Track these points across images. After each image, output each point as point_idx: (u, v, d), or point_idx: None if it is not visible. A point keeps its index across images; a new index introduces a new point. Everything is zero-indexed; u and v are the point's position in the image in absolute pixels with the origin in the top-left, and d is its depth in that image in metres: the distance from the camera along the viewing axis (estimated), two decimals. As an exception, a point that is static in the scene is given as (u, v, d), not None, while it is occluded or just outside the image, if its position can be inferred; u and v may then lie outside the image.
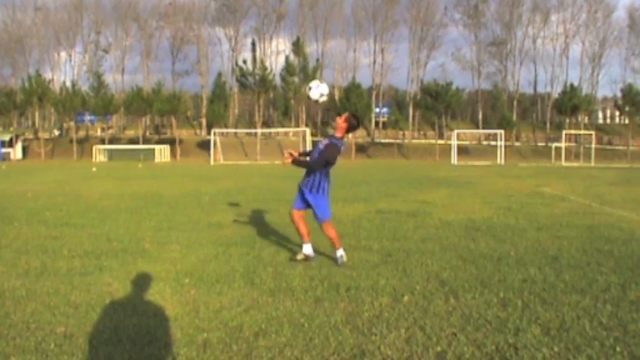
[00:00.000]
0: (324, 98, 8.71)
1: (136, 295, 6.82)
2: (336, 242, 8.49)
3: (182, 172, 40.95)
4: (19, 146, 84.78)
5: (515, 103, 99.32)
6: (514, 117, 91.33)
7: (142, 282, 7.35)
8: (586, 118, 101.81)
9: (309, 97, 8.72)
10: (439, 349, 5.03)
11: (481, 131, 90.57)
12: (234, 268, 8.15)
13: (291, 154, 8.78)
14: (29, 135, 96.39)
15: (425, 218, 13.41)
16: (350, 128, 8.43)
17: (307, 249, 8.66)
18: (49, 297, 6.74)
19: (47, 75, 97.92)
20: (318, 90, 8.60)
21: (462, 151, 73.88)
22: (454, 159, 64.90)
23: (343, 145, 8.45)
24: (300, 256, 8.62)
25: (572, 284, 7.07)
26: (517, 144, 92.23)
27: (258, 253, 9.30)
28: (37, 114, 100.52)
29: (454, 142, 67.57)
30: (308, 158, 8.87)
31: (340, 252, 8.43)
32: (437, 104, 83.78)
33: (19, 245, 10.21)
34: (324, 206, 8.59)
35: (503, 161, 64.13)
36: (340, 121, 8.46)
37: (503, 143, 67.63)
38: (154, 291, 6.96)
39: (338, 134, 8.46)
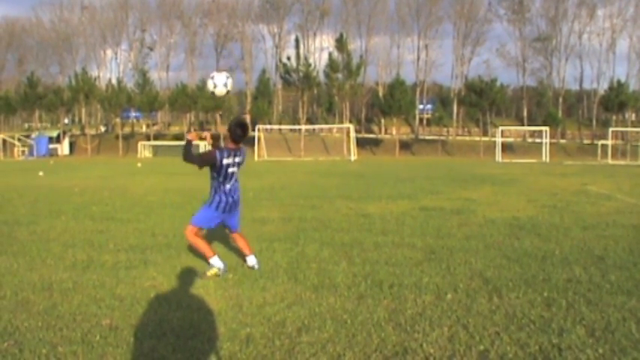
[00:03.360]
0: (222, 89, 8.27)
1: (180, 289, 6.88)
2: (205, 252, 7.88)
3: (226, 168, 41.09)
4: (66, 142, 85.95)
5: (560, 99, 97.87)
6: (559, 114, 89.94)
7: (186, 276, 7.42)
8: (633, 115, 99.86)
9: (213, 93, 8.42)
10: (482, 348, 5.01)
11: (526, 128, 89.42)
12: (277, 264, 8.19)
13: (196, 133, 8.25)
14: (76, 131, 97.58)
15: (469, 216, 13.31)
16: (234, 137, 7.86)
17: (251, 260, 8.15)
18: (95, 289, 6.84)
19: (93, 72, 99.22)
20: (215, 81, 8.25)
21: (507, 148, 73.00)
22: (498, 156, 64.26)
23: (237, 156, 7.89)
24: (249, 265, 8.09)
25: (619, 285, 6.96)
26: (562, 141, 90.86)
27: (301, 249, 9.31)
28: (83, 111, 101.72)
29: (498, 139, 66.80)
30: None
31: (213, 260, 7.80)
32: (481, 101, 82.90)
33: (67, 239, 10.39)
34: (200, 213, 8.01)
35: (548, 159, 63.34)
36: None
37: (548, 140, 66.85)
38: (198, 285, 7.02)
39: (229, 145, 7.93)
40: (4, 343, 5.17)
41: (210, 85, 8.31)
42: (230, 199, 7.84)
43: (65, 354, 4.93)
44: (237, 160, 7.84)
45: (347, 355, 4.88)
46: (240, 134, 7.80)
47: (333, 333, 5.37)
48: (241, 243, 8.25)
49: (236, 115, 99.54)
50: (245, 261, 8.18)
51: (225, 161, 7.66)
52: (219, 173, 7.73)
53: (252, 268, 8.00)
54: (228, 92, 8.49)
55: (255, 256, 8.22)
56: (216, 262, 7.69)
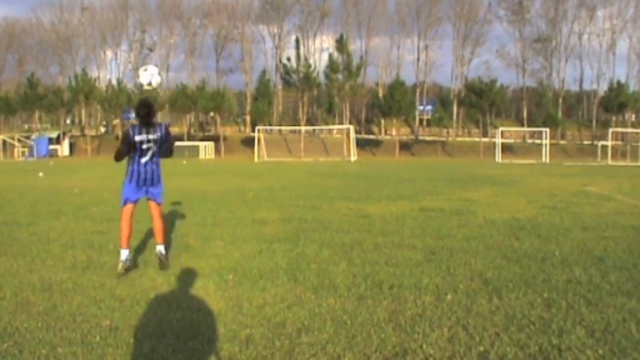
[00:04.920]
0: (152, 83, 8.47)
1: (180, 290, 6.88)
2: (121, 239, 8.03)
3: (226, 169, 41.18)
4: (66, 143, 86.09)
5: (560, 100, 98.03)
6: (559, 115, 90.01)
7: (186, 277, 7.41)
8: (633, 116, 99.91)
9: (142, 85, 8.51)
10: (482, 349, 5.00)
11: (526, 129, 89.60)
12: (277, 265, 8.18)
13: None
14: (76, 132, 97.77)
15: (469, 217, 13.30)
16: (137, 116, 8.03)
17: (160, 249, 8.31)
18: (94, 290, 6.84)
19: (93, 73, 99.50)
20: (147, 75, 8.47)
21: (507, 149, 73.11)
22: (498, 157, 64.38)
23: (152, 134, 7.97)
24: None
25: (619, 286, 6.95)
26: (562, 142, 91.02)
27: (301, 249, 9.30)
28: (83, 111, 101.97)
29: (498, 140, 66.89)
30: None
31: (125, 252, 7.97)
32: (481, 102, 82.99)
33: (67, 239, 10.38)
34: (123, 190, 8.18)
35: (548, 160, 63.45)
36: None
37: (548, 141, 66.97)
38: (198, 286, 7.02)
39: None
40: (4, 344, 5.17)
41: (147, 87, 8.54)
42: (144, 173, 8.04)
43: (65, 355, 4.93)
44: (151, 136, 7.95)
45: (347, 355, 4.88)
46: (142, 113, 7.95)
47: (332, 334, 5.36)
48: (157, 225, 8.42)
49: (237, 115, 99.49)
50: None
51: (137, 137, 7.86)
52: (135, 150, 7.92)
53: (160, 258, 8.16)
54: (154, 88, 8.68)
55: (166, 248, 8.49)
56: (123, 255, 7.86)
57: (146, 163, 8.04)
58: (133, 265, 8.08)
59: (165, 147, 8.21)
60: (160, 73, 8.75)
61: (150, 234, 10.66)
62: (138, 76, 8.65)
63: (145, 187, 8.14)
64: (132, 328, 5.54)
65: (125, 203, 8.15)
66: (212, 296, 6.57)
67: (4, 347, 5.11)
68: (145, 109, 7.99)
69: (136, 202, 8.22)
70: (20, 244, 10.05)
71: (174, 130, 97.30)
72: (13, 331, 5.50)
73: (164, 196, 8.59)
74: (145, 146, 7.94)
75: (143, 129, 7.92)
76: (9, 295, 6.73)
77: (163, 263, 8.11)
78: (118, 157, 8.12)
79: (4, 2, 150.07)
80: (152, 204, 8.39)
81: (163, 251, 8.28)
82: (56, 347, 5.09)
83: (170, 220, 12.67)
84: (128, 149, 7.95)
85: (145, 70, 8.61)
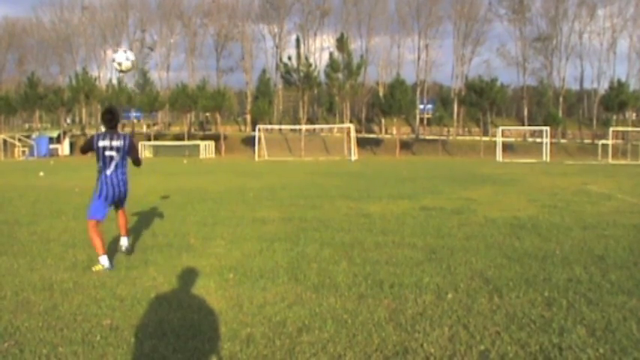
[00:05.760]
0: (127, 64, 8.82)
1: (181, 290, 6.89)
2: (96, 248, 8.21)
3: (227, 168, 41.19)
4: (66, 142, 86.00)
5: (560, 99, 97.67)
6: (560, 113, 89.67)
7: (186, 276, 7.42)
8: (634, 114, 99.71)
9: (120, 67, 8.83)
10: (482, 347, 5.00)
11: (526, 128, 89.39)
12: (278, 264, 8.19)
13: None
14: (76, 131, 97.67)
15: (469, 216, 13.30)
16: (103, 122, 8.42)
17: (123, 241, 8.92)
18: (95, 290, 6.85)
19: (94, 72, 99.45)
20: (123, 55, 8.86)
21: (507, 148, 72.87)
22: (499, 156, 64.25)
23: (115, 140, 8.31)
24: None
25: (619, 285, 6.95)
26: (563, 141, 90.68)
27: (302, 249, 9.31)
28: (84, 111, 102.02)
29: (499, 139, 66.71)
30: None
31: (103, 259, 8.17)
32: (481, 100, 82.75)
33: (67, 239, 10.40)
34: (92, 205, 8.40)
35: (548, 158, 63.30)
36: None
37: (548, 140, 66.78)
38: (199, 285, 7.03)
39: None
40: (5, 344, 5.18)
41: (116, 65, 8.83)
42: (114, 189, 8.33)
43: (66, 354, 4.93)
44: (114, 143, 8.27)
45: (347, 354, 4.88)
46: (107, 119, 8.35)
47: (333, 333, 5.37)
48: (121, 222, 8.84)
49: (237, 114, 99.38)
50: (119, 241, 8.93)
51: (100, 143, 8.21)
52: (98, 157, 8.25)
53: (121, 248, 8.80)
54: (133, 64, 8.97)
55: (129, 240, 9.04)
56: (103, 261, 8.04)
57: (111, 174, 8.32)
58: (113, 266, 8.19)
59: (131, 157, 8.63)
60: (133, 62, 9.00)
61: (148, 234, 10.70)
62: (116, 52, 9.00)
63: (112, 202, 8.45)
64: (132, 328, 5.55)
65: (91, 218, 8.30)
66: (213, 295, 6.57)
67: (5, 346, 5.12)
68: (109, 115, 8.38)
69: (103, 218, 8.41)
70: (21, 243, 10.06)
71: (176, 129, 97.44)
72: (14, 331, 5.51)
73: (126, 201, 8.90)
74: (107, 153, 8.25)
75: (107, 135, 8.28)
76: (10, 294, 6.74)
77: (128, 252, 8.84)
78: (81, 152, 8.79)
79: (5, 2, 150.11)
80: (119, 211, 8.85)
81: (126, 243, 8.91)
82: (57, 346, 5.10)
83: (171, 220, 12.70)
84: (87, 150, 8.44)
85: (125, 51, 8.98)
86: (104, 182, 8.29)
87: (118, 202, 8.65)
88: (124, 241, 8.91)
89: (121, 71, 8.85)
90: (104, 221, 8.48)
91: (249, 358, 4.84)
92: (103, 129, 8.50)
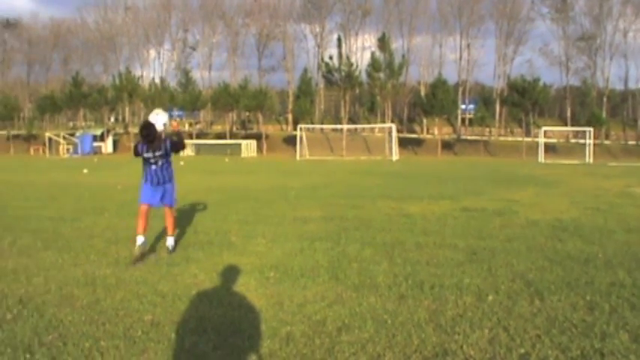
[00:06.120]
0: (161, 127, 9.31)
1: (222, 287, 6.92)
2: (137, 227, 8.94)
3: (268, 167, 41.35)
4: (109, 140, 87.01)
5: (604, 99, 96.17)
6: (604, 114, 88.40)
7: (227, 274, 7.45)
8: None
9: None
10: (522, 351, 4.95)
11: (569, 129, 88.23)
12: (318, 263, 8.19)
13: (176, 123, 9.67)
14: (119, 129, 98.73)
15: (511, 217, 13.17)
16: (141, 137, 8.90)
17: (169, 241, 9.34)
18: (137, 285, 6.92)
19: (137, 72, 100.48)
20: (159, 118, 9.39)
21: (549, 149, 72.09)
22: (541, 157, 63.54)
23: (158, 151, 8.95)
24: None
25: (664, 289, 6.84)
26: (606, 142, 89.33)
27: (343, 248, 9.30)
28: (127, 109, 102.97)
29: (541, 140, 65.99)
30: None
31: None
32: (524, 101, 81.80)
33: (110, 235, 10.53)
34: (141, 191, 9.23)
35: (591, 160, 62.45)
36: None
37: (591, 141, 65.87)
38: (239, 283, 7.06)
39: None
40: (49, 336, 5.27)
41: (157, 122, 9.31)
42: (157, 176, 9.06)
43: (107, 348, 5.00)
44: (157, 153, 8.96)
45: (387, 355, 4.87)
46: (144, 134, 8.83)
47: (373, 333, 5.36)
48: (168, 221, 9.36)
49: (279, 113, 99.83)
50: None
51: (145, 154, 8.95)
52: (145, 162, 9.02)
53: (168, 248, 9.15)
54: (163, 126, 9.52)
55: (175, 240, 9.41)
56: (138, 240, 8.70)
57: (155, 168, 9.09)
58: (147, 250, 8.97)
59: (175, 149, 9.22)
60: (164, 124, 9.60)
61: (190, 231, 10.77)
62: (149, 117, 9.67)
63: (155, 186, 9.11)
64: (173, 324, 5.59)
65: (140, 202, 9.11)
66: (253, 293, 6.60)
67: (49, 339, 5.20)
68: (145, 131, 8.84)
69: (151, 205, 9.11)
70: (65, 239, 10.21)
71: (217, 128, 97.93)
72: (57, 324, 5.60)
73: (174, 198, 9.64)
74: (152, 160, 9.01)
75: (149, 147, 8.93)
76: (54, 288, 6.84)
77: (170, 251, 9.09)
78: (134, 155, 9.22)
79: (51, 3, 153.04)
80: (166, 209, 9.43)
81: (172, 242, 9.29)
82: (99, 340, 5.16)
83: (212, 218, 12.78)
84: (136, 154, 9.12)
85: (157, 114, 9.57)
86: (148, 170, 9.09)
87: (164, 196, 9.20)
88: (169, 241, 9.25)
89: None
90: (153, 209, 9.12)
91: (289, 357, 4.85)
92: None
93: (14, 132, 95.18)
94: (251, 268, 7.85)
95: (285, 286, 6.89)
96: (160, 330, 5.43)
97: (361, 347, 5.01)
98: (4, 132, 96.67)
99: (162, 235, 10.07)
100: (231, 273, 7.50)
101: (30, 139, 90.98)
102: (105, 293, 6.62)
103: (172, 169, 9.39)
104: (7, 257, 8.74)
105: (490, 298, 6.45)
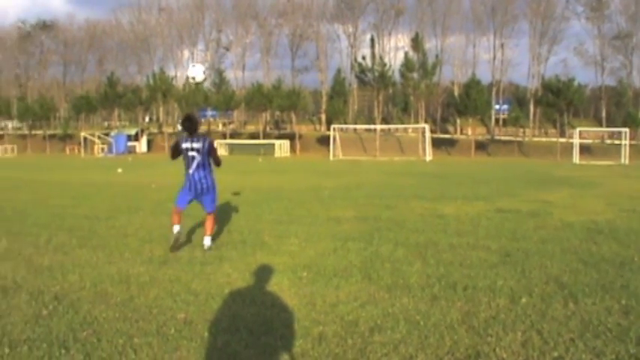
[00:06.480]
0: (197, 79, 10.02)
1: (255, 286, 6.94)
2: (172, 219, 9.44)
3: (301, 167, 41.42)
4: (144, 140, 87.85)
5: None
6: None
7: (260, 273, 7.46)
8: None
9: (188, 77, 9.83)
10: (556, 354, 4.88)
11: (604, 129, 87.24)
12: (351, 263, 8.18)
13: None
14: (153, 129, 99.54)
15: (545, 219, 13.04)
16: (183, 128, 9.43)
17: (206, 240, 9.48)
18: (170, 284, 6.96)
19: (171, 72, 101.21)
20: (197, 68, 10.04)
21: (584, 149, 71.35)
22: (576, 158, 62.96)
23: (195, 142, 9.27)
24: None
25: (703, 293, 6.73)
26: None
27: (375, 248, 9.27)
28: (161, 109, 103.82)
29: (576, 141, 65.40)
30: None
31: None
32: (558, 101, 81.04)
33: (144, 234, 10.62)
34: (178, 194, 9.67)
35: (627, 161, 61.66)
36: None
37: (627, 142, 65.12)
38: (272, 283, 7.07)
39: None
40: (84, 332, 5.32)
41: (191, 79, 10.15)
42: (195, 184, 9.31)
43: (141, 345, 5.03)
44: (195, 145, 9.24)
45: (419, 356, 4.84)
46: (186, 125, 9.35)
47: (405, 334, 5.33)
48: (207, 223, 9.56)
49: (312, 113, 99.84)
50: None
51: (184, 145, 9.27)
52: (183, 157, 9.34)
53: (204, 246, 9.31)
54: (205, 76, 10.23)
55: (211, 239, 9.47)
56: (174, 228, 9.21)
57: (194, 172, 9.29)
58: (184, 238, 9.59)
59: (211, 158, 9.50)
60: (204, 72, 10.29)
61: (223, 231, 10.82)
62: (187, 69, 10.04)
63: (192, 193, 9.40)
64: (206, 322, 5.61)
65: (175, 204, 9.57)
66: (286, 293, 6.60)
67: (84, 335, 5.26)
68: (188, 122, 9.40)
69: (184, 207, 9.53)
70: (100, 237, 10.32)
71: (251, 128, 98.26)
72: (92, 320, 5.66)
73: (215, 204, 9.75)
74: (190, 153, 9.24)
75: (189, 138, 9.30)
76: (89, 285, 6.91)
77: (206, 250, 9.21)
78: (171, 156, 9.65)
79: (86, 5, 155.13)
80: (208, 215, 9.66)
81: (209, 242, 9.41)
82: (132, 337, 5.20)
83: (245, 217, 12.82)
84: (174, 151, 9.51)
85: (194, 65, 10.08)
86: (187, 178, 9.32)
87: (204, 201, 9.49)
88: (206, 240, 9.38)
89: (196, 83, 9.62)
90: (185, 210, 9.48)
91: (321, 356, 4.84)
92: (179, 127, 9.19)
93: (50, 132, 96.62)
94: (284, 267, 7.86)
95: (317, 286, 6.89)
96: (192, 328, 5.45)
97: (393, 348, 4.99)
98: (40, 132, 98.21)
99: (195, 233, 10.13)
100: (264, 272, 7.52)
101: (66, 138, 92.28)
102: (139, 291, 6.67)
103: (213, 177, 9.56)
104: (43, 254, 8.85)
105: (523, 300, 6.39)
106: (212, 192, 9.53)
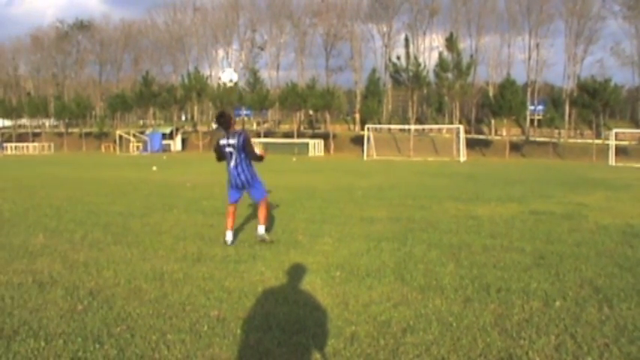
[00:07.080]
0: (230, 83, 10.16)
1: (288, 285, 6.96)
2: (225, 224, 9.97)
3: (335, 167, 41.43)
4: (178, 139, 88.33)
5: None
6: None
7: (293, 272, 7.49)
8: None
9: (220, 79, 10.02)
10: (590, 359, 4.85)
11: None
12: (385, 263, 8.17)
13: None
14: (188, 128, 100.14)
15: (580, 221, 12.91)
16: (218, 124, 10.04)
17: (260, 229, 9.95)
18: (204, 281, 7.01)
19: (205, 71, 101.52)
20: (226, 75, 10.24)
21: (621, 151, 70.32)
22: (612, 160, 62.11)
23: (231, 139, 9.75)
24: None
25: None
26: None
27: (409, 249, 9.26)
28: (195, 108, 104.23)
29: (612, 142, 64.52)
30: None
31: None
32: (594, 102, 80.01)
33: (178, 232, 10.70)
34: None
35: (665, 163, 60.97)
36: None
37: (665, 144, 64.27)
38: (305, 282, 7.09)
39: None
40: (118, 328, 5.38)
41: (221, 83, 10.34)
42: (235, 179, 9.80)
43: (174, 342, 5.07)
44: (230, 141, 9.73)
45: (451, 358, 4.83)
46: (220, 122, 9.90)
47: (438, 335, 5.31)
48: (260, 213, 9.99)
49: (346, 113, 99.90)
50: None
51: (221, 142, 9.86)
52: (224, 154, 9.85)
53: (258, 236, 9.84)
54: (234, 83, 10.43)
55: (266, 230, 10.02)
56: (227, 235, 9.70)
57: (233, 167, 9.77)
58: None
59: (245, 153, 9.79)
60: (235, 70, 10.69)
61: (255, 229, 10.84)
62: (219, 78, 10.27)
63: (242, 189, 9.94)
64: (239, 320, 5.64)
65: (229, 204, 9.99)
66: (319, 292, 6.61)
67: (118, 330, 5.32)
68: (222, 118, 9.94)
69: (235, 202, 10.00)
70: (134, 234, 10.42)
71: (285, 127, 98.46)
72: (126, 316, 5.72)
73: (264, 192, 10.18)
74: (227, 149, 9.76)
75: (226, 136, 9.83)
76: (123, 282, 6.99)
77: (264, 240, 9.72)
78: (217, 159, 10.22)
79: (122, 5, 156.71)
80: (258, 204, 10.14)
81: (262, 231, 9.87)
82: (166, 334, 5.25)
83: (279, 216, 12.86)
84: (216, 150, 10.03)
85: (223, 71, 10.30)
86: (229, 173, 9.86)
87: (251, 193, 10.03)
88: (260, 229, 9.89)
89: (235, 83, 9.91)
90: (238, 204, 10.18)
91: (353, 356, 4.84)
92: (214, 125, 9.39)
93: (86, 130, 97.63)
94: (317, 267, 7.88)
95: (350, 286, 6.89)
96: (225, 326, 5.49)
97: (425, 349, 4.98)
98: (77, 130, 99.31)
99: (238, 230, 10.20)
100: (297, 271, 7.55)
101: (101, 136, 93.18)
102: (172, 288, 6.72)
103: (253, 170, 9.97)
104: (79, 250, 8.97)
105: (557, 303, 6.34)
106: (255, 183, 9.93)
